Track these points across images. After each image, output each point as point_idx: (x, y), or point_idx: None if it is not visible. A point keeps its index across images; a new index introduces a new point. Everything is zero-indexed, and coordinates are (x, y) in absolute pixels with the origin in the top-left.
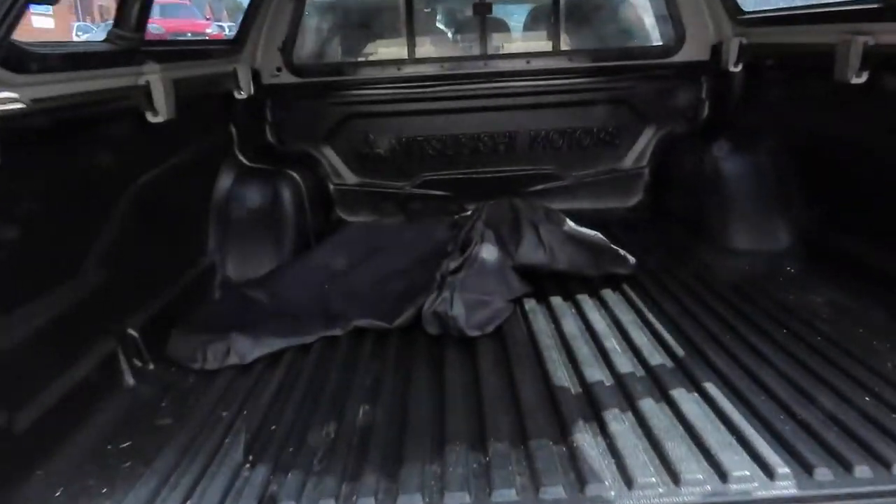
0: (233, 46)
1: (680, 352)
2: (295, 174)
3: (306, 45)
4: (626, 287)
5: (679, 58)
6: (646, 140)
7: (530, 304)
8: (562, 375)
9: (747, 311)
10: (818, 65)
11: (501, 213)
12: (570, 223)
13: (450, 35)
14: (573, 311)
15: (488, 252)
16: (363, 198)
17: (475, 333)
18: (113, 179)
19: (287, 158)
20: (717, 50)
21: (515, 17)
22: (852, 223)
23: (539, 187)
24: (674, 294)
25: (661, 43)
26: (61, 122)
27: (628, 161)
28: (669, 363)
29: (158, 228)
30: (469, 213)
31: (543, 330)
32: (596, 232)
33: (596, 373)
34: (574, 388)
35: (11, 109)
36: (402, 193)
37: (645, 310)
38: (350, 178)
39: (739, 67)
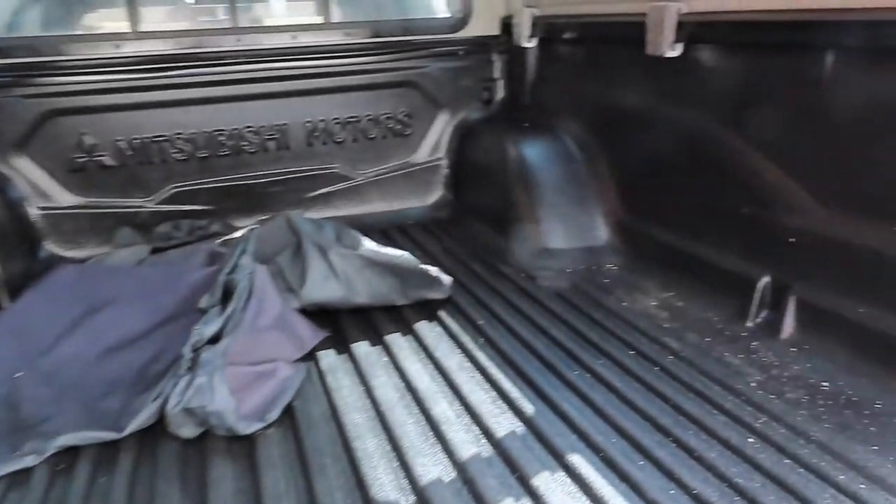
0: None
1: (528, 408)
2: None
3: None
4: (442, 315)
5: (467, 32)
6: (440, 128)
7: (328, 358)
8: (384, 480)
9: (582, 329)
10: (626, 37)
11: (276, 238)
12: (368, 243)
13: (186, 4)
14: (385, 359)
15: (262, 301)
16: (86, 224)
17: (254, 428)
18: None
19: None
20: (508, 23)
21: None
22: (671, 212)
23: (323, 191)
24: (498, 316)
25: (448, 15)
26: None
27: (423, 153)
28: (520, 427)
29: None
30: (237, 234)
31: (350, 399)
32: (402, 252)
33: (429, 465)
34: (405, 498)
35: None
36: (143, 213)
37: (470, 346)
38: (63, 198)
39: (534, 43)
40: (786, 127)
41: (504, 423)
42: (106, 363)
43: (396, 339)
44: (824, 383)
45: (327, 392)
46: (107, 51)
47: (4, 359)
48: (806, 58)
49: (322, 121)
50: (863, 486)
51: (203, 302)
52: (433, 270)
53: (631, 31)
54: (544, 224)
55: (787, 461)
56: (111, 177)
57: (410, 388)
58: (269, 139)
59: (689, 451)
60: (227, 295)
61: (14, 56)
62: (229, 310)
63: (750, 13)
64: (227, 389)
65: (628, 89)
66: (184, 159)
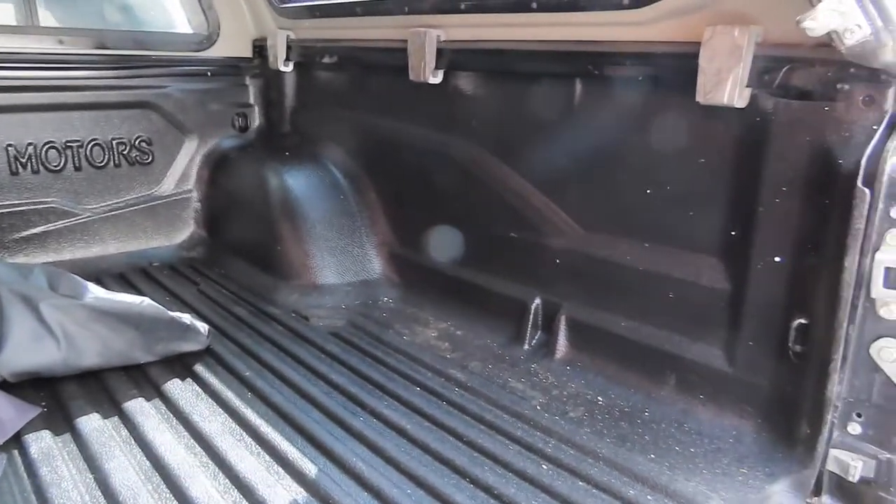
0: None
1: (311, 469)
2: None
3: None
4: (199, 370)
5: (215, 52)
6: (188, 156)
7: (40, 443)
8: None
9: (364, 369)
10: (388, 63)
11: None
12: (96, 289)
13: None
14: (124, 433)
15: None
16: None
17: None
18: None
19: None
20: (261, 45)
21: None
22: (444, 240)
23: (36, 230)
24: (268, 365)
25: (191, 31)
26: None
27: (168, 184)
28: (302, 495)
29: None
30: None
31: (73, 495)
32: (142, 298)
33: None
34: None
35: None
36: None
37: (236, 403)
38: None
39: (290, 67)
40: (543, 152)
41: (282, 493)
42: None
43: (140, 406)
44: (600, 398)
45: (39, 489)
46: None
47: None
48: (557, 86)
49: (31, 144)
50: (650, 497)
51: None
52: (185, 318)
53: (393, 58)
54: (314, 259)
55: (582, 484)
56: None
57: (159, 465)
58: None
59: (489, 490)
60: None
61: None
62: None
63: (502, 42)
64: None
65: (394, 116)
66: None
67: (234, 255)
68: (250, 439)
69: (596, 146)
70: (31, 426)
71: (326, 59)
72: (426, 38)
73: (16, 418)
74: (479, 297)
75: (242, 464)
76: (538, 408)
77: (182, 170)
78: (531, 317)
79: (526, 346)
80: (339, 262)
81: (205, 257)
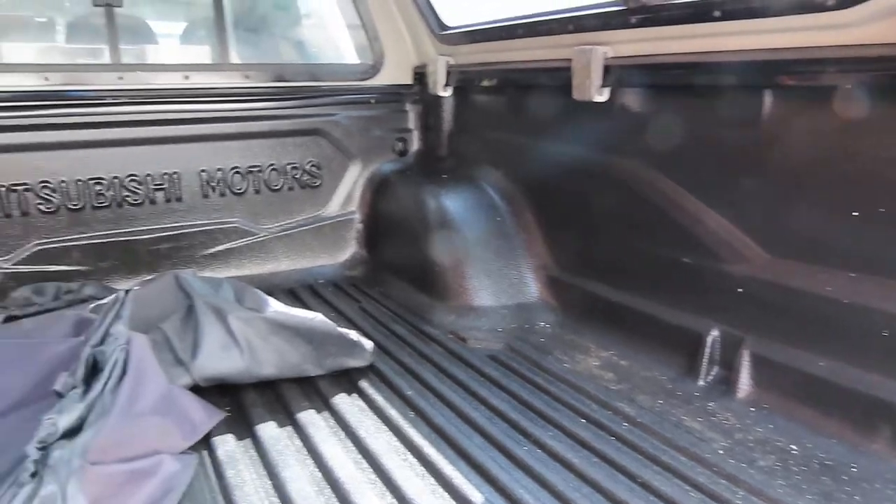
0: None
1: (476, 498)
2: None
3: None
4: (364, 386)
5: (379, 80)
6: (352, 180)
7: (226, 445)
8: None
9: (525, 395)
10: (550, 84)
11: (161, 300)
12: (275, 304)
13: (60, 34)
14: (297, 443)
15: (139, 378)
16: None
17: None
18: None
19: None
20: (421, 72)
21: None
22: (606, 264)
23: (221, 248)
24: (429, 385)
25: (358, 62)
26: None
27: (334, 206)
28: None
29: None
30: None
31: (254, 499)
32: (315, 314)
33: None
34: None
35: None
36: None
37: (400, 421)
38: None
39: (449, 92)
40: (723, 170)
41: None
42: None
43: (311, 418)
44: (793, 446)
45: (225, 490)
46: None
47: None
48: (740, 98)
49: (220, 170)
50: None
51: (59, 384)
52: (352, 334)
53: (555, 77)
54: (471, 280)
55: None
56: None
57: (330, 479)
58: (157, 189)
59: None
60: (93, 372)
61: None
62: (94, 392)
63: (678, 55)
64: (84, 500)
65: (554, 136)
66: (50, 212)
67: (393, 275)
68: (414, 459)
69: (786, 162)
70: (218, 429)
71: (485, 83)
72: (592, 56)
73: (206, 420)
74: (645, 326)
75: (408, 485)
76: (720, 452)
77: (347, 192)
78: (707, 350)
79: (701, 382)
80: (496, 284)
81: (365, 276)
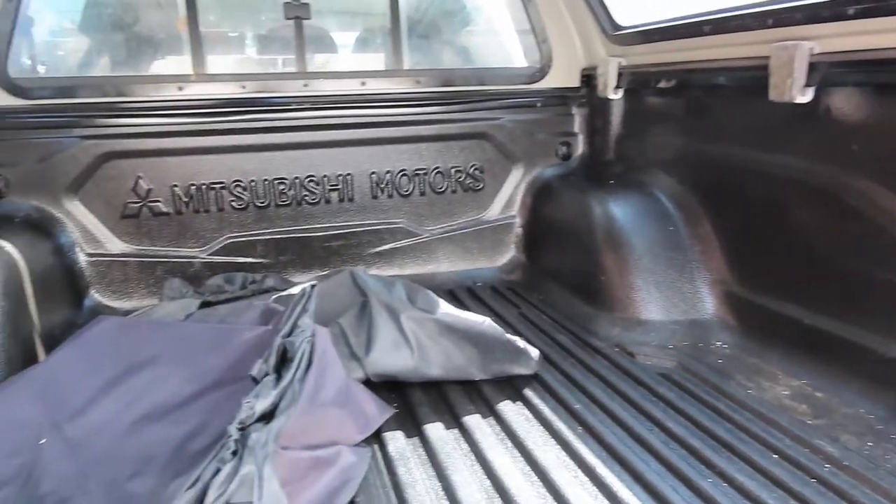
0: None
1: None
2: (6, 244)
3: (34, 50)
4: (529, 395)
5: (545, 84)
6: (514, 183)
7: (396, 442)
8: None
9: (704, 421)
10: (740, 84)
11: (339, 296)
12: (445, 306)
13: (253, 47)
14: (464, 446)
15: (323, 370)
16: (135, 273)
17: None
18: None
19: (5, 220)
20: (589, 74)
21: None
22: (796, 281)
23: (387, 247)
24: (596, 400)
25: (525, 65)
26: None
27: (495, 210)
28: None
29: None
30: (294, 290)
31: (426, 499)
32: (483, 318)
33: None
34: None
35: None
36: (195, 263)
37: (568, 435)
38: (113, 244)
39: (620, 94)
40: None
41: None
42: (139, 435)
43: (477, 422)
44: None
45: (397, 487)
46: (169, 93)
47: (28, 422)
48: None
49: (388, 172)
50: None
51: (255, 369)
52: (519, 341)
53: (747, 77)
54: (639, 292)
55: None
56: (164, 224)
57: (500, 488)
58: (331, 190)
59: None
60: (282, 361)
61: (76, 96)
62: (285, 380)
63: None
64: (277, 483)
65: (741, 140)
66: (241, 208)
67: (553, 282)
68: (586, 478)
69: None
70: (387, 425)
71: (662, 84)
72: (796, 53)
73: (377, 415)
74: (845, 354)
75: None
76: None
77: (508, 196)
78: None
79: None
80: (667, 297)
81: (524, 281)
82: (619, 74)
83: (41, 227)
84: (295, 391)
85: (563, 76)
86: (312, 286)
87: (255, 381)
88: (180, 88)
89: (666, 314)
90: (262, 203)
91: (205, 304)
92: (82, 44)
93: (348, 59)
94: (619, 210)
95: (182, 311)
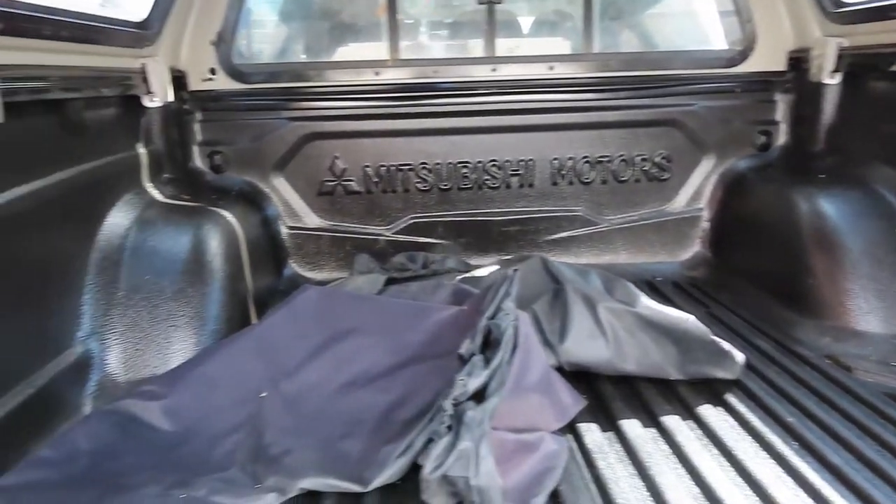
0: (141, 33)
1: None
2: (228, 214)
3: (252, 40)
4: (732, 401)
5: (746, 67)
6: (703, 174)
7: (592, 434)
8: None
9: None
10: None
11: (531, 281)
12: (645, 299)
13: (445, 32)
14: (664, 447)
15: (527, 355)
16: (327, 247)
17: None
18: None
19: (222, 192)
20: (798, 57)
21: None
22: None
23: (563, 234)
24: (812, 414)
25: (725, 48)
26: None
27: (680, 202)
28: None
29: None
30: (478, 272)
31: (630, 496)
32: (688, 315)
33: None
34: None
35: None
36: (381, 241)
37: (783, 450)
38: (310, 219)
39: (838, 79)
40: None
41: None
42: (346, 398)
43: (676, 424)
44: None
45: (598, 481)
46: (367, 77)
47: (251, 377)
48: None
49: (570, 159)
50: None
51: (464, 348)
52: (724, 343)
53: None
54: (854, 300)
55: None
56: (355, 202)
57: (712, 498)
58: (512, 175)
59: None
60: (486, 342)
61: (283, 81)
62: (495, 362)
63: None
64: (492, 461)
65: None
66: (425, 189)
67: (747, 282)
68: (809, 500)
69: None
70: (580, 417)
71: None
72: None
73: (572, 405)
74: None
75: None
76: None
77: (695, 188)
78: None
79: None
80: (890, 307)
81: (708, 279)
82: (839, 56)
83: (252, 200)
84: (503, 373)
85: (766, 59)
86: (515, 271)
87: (463, 359)
88: (377, 73)
89: (888, 326)
90: (446, 186)
91: (390, 281)
92: (291, 31)
93: (535, 43)
94: (832, 207)
95: (371, 286)
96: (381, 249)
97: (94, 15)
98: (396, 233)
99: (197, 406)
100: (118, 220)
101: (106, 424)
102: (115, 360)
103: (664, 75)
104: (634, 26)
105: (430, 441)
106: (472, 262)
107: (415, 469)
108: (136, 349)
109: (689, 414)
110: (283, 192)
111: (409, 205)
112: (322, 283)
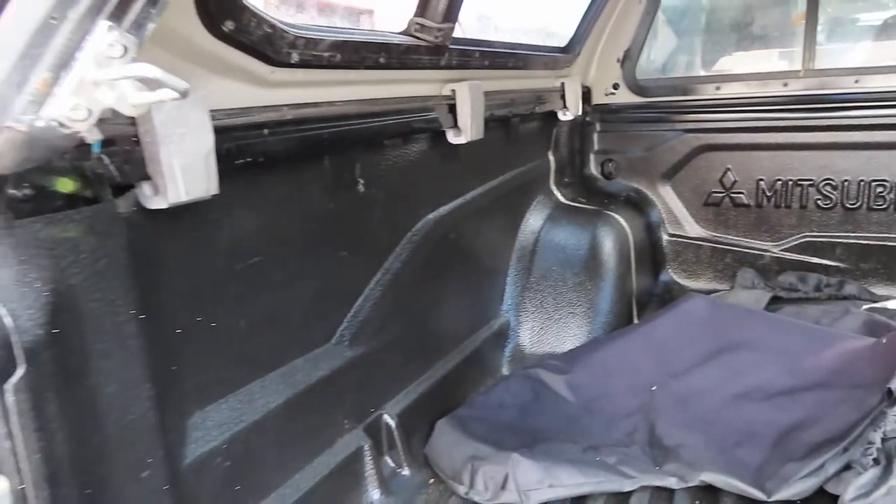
0: (563, 57)
1: None
2: (620, 217)
3: (654, 56)
4: None
5: None
6: None
7: None
8: None
9: None
10: None
11: None
12: None
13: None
14: None
15: None
16: (706, 257)
17: None
18: (402, 214)
19: (611, 197)
20: None
21: None
22: None
23: None
24: None
25: None
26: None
27: None
28: None
29: (447, 275)
30: (891, 304)
31: None
32: None
33: None
34: None
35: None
36: (766, 257)
37: None
38: (692, 228)
39: None
40: None
41: None
42: (739, 409)
43: None
44: None
45: None
46: (773, 89)
47: (642, 369)
48: None
49: None
50: None
51: (894, 383)
52: None
53: None
54: None
55: None
56: (741, 215)
57: None
58: None
59: None
60: None
61: (680, 94)
62: None
63: None
64: None
65: None
66: (826, 207)
67: None
68: None
69: None
70: None
71: None
72: None
73: None
74: None
75: None
76: None
77: None
78: None
79: None
80: None
81: None
82: None
83: (638, 206)
84: None
85: None
86: None
87: (892, 394)
88: (785, 84)
89: None
90: (853, 204)
91: (775, 299)
92: (693, 45)
93: None
94: None
95: (755, 302)
96: (764, 266)
97: (530, 45)
98: (785, 250)
99: (594, 386)
100: (534, 216)
101: (524, 386)
102: (525, 334)
103: None
104: None
105: (845, 469)
106: (876, 290)
107: (819, 492)
108: (541, 328)
109: None
110: (668, 200)
111: (805, 222)
112: (699, 293)
